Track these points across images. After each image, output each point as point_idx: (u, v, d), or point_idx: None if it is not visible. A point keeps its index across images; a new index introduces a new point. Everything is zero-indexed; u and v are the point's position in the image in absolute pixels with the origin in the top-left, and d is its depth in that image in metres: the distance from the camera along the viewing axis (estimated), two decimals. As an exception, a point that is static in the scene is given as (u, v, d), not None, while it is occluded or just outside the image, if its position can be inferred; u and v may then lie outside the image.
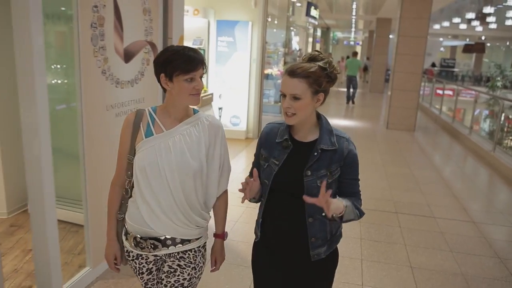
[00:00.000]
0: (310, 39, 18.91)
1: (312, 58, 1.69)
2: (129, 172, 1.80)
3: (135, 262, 1.87)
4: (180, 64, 1.66)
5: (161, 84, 1.75)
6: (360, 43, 37.59)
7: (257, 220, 1.90)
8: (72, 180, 3.50)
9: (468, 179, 7.04)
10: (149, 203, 1.74)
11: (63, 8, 3.25)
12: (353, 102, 15.30)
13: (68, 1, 2.83)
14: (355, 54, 16.71)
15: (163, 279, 1.87)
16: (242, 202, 1.76)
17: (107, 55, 3.03)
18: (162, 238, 1.77)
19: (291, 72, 1.65)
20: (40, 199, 2.62)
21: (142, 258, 1.85)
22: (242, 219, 4.45)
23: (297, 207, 1.73)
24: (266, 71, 11.24)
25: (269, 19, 10.82)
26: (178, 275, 1.83)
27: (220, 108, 8.16)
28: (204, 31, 7.76)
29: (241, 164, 6.61)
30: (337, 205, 1.61)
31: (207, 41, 7.83)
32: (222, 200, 1.94)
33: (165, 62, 1.69)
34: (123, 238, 1.87)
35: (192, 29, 7.59)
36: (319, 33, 24.71)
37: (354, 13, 19.69)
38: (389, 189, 5.80)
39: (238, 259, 3.59)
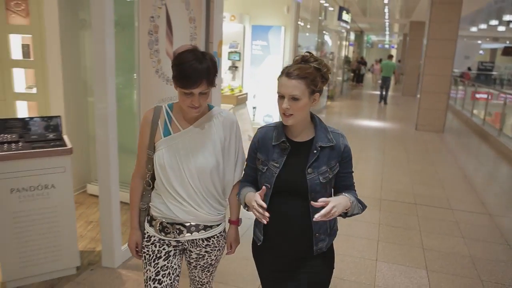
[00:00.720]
0: (345, 42, 19.23)
1: (304, 60, 1.73)
2: (149, 166, 1.90)
3: (155, 245, 1.92)
4: (179, 79, 1.70)
5: None
6: (395, 46, 37.35)
7: (257, 224, 1.92)
8: (126, 167, 4.11)
9: (491, 178, 7.26)
10: (172, 195, 1.84)
11: (126, 19, 3.87)
12: (385, 103, 15.73)
13: (131, 13, 3.45)
14: (390, 57, 17.31)
15: (191, 262, 2.01)
16: (266, 222, 1.70)
17: (160, 57, 3.62)
18: (187, 224, 1.87)
19: (289, 74, 1.69)
20: (107, 180, 3.21)
21: (164, 242, 1.92)
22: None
23: (300, 206, 1.77)
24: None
25: (302, 24, 11.31)
26: (207, 258, 1.99)
27: (254, 107, 8.69)
28: (240, 36, 8.33)
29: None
30: (344, 204, 1.68)
31: (243, 45, 8.39)
32: (236, 189, 2.01)
33: (173, 69, 1.75)
34: (147, 225, 1.96)
35: (229, 34, 8.18)
36: (352, 36, 24.92)
37: (387, 17, 19.83)
38: (411, 183, 6.15)
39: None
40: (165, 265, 1.91)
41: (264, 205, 1.66)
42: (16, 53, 4.62)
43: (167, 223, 1.87)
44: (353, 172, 1.88)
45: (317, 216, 1.59)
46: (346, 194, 1.76)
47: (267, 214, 1.65)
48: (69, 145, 3.07)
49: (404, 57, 23.14)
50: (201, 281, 2.09)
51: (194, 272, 2.06)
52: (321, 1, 12.18)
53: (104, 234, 3.36)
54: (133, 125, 3.87)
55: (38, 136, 3.14)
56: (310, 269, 1.86)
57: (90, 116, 4.75)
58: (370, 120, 12.03)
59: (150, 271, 1.91)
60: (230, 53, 8.39)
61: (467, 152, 9.19)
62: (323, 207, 1.62)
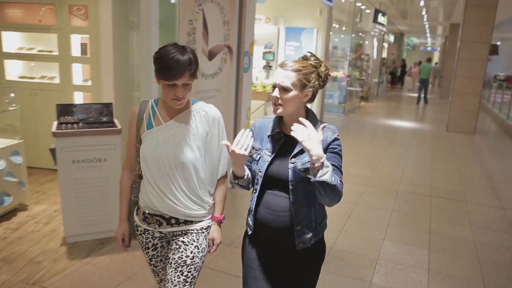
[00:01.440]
0: (385, 44, 19.36)
1: (305, 58, 1.82)
2: (138, 158, 1.95)
3: (142, 237, 2.02)
4: (162, 71, 1.74)
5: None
6: (438, 48, 36.64)
7: (249, 212, 1.97)
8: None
9: (516, 178, 7.40)
10: (153, 187, 1.90)
11: (169, 20, 4.49)
12: (426, 101, 16.56)
13: (172, 16, 4.05)
14: (429, 60, 17.66)
15: (169, 257, 1.98)
16: (228, 149, 1.76)
17: (198, 50, 4.19)
18: (167, 217, 1.93)
19: (283, 65, 1.76)
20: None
21: (149, 233, 1.99)
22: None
23: (284, 195, 1.83)
24: (332, 74, 12.08)
25: (337, 26, 11.69)
26: (182, 252, 1.92)
27: (285, 105, 9.18)
28: (274, 37, 8.86)
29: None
30: (320, 150, 1.64)
31: (277, 46, 8.91)
32: (220, 185, 2.05)
33: (154, 62, 1.78)
34: (134, 213, 2.04)
35: (264, 35, 8.74)
36: (392, 38, 24.85)
37: (425, 19, 19.75)
38: (431, 179, 6.45)
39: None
40: (155, 254, 2.03)
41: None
42: (75, 51, 5.34)
43: (148, 213, 1.95)
44: (340, 169, 1.82)
45: (293, 127, 1.65)
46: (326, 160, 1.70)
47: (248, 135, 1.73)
48: (119, 126, 3.70)
49: (444, 59, 22.88)
50: (172, 284, 1.89)
51: (168, 273, 1.92)
52: (357, 4, 12.49)
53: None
54: None
55: (94, 119, 3.79)
56: (290, 268, 1.90)
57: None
58: (402, 121, 12.21)
59: (145, 256, 2.07)
60: (264, 53, 8.93)
61: (496, 153, 9.26)
62: (299, 193, 1.78)
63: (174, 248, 1.95)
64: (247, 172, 1.89)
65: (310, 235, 1.85)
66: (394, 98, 19.24)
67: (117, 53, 5.17)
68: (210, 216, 2.03)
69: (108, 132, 3.61)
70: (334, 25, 11.46)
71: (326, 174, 1.63)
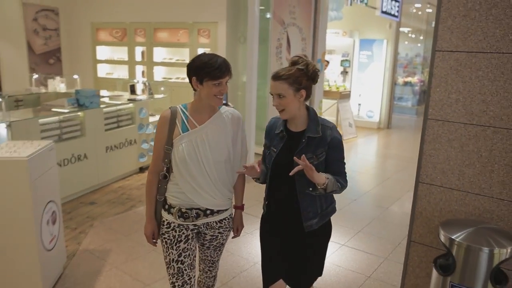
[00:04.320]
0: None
1: (293, 63, 2.01)
2: (166, 160, 2.09)
3: (175, 231, 2.14)
4: (212, 72, 1.95)
5: (192, 85, 2.03)
6: None
7: (264, 198, 2.25)
8: (257, 134, 6.80)
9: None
10: (191, 184, 2.06)
11: (264, 34, 6.65)
12: None
13: (267, 28, 6.15)
14: None
15: (205, 243, 2.26)
16: (237, 172, 2.16)
17: (282, 61, 6.26)
18: (203, 209, 2.12)
19: (273, 77, 1.99)
20: (250, 141, 5.94)
21: (183, 227, 2.14)
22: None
23: (291, 186, 2.07)
24: (406, 79, 13.49)
25: (413, 36, 13.08)
26: (219, 239, 2.27)
27: (359, 104, 10.89)
28: (350, 47, 10.64)
29: (373, 145, 9.29)
30: (320, 176, 1.93)
31: (352, 54, 10.68)
32: (240, 177, 2.27)
33: (198, 68, 1.98)
34: (165, 213, 2.16)
35: (342, 46, 10.59)
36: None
37: None
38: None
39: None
40: (185, 247, 2.15)
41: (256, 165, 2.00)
42: (200, 60, 7.75)
43: (186, 208, 2.10)
44: (343, 161, 2.12)
45: (296, 160, 1.90)
46: (324, 174, 2.00)
47: (256, 165, 1.99)
48: (232, 105, 5.89)
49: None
50: (212, 260, 2.35)
51: (207, 253, 2.31)
52: (428, 10, 13.52)
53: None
54: (264, 111, 6.53)
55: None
56: (299, 247, 2.18)
57: (239, 104, 7.62)
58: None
59: (172, 253, 2.15)
60: (342, 61, 10.75)
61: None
62: (303, 182, 2.03)
63: (211, 239, 2.24)
64: (260, 172, 2.09)
65: (316, 219, 2.11)
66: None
67: (228, 60, 7.46)
68: (232, 204, 2.30)
69: (225, 109, 5.82)
70: (409, 34, 12.86)
71: (329, 187, 1.98)
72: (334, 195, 2.22)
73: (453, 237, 2.26)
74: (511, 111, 2.38)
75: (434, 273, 2.40)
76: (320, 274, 2.30)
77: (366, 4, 8.87)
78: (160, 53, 8.08)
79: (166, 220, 2.16)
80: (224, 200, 2.18)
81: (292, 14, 6.33)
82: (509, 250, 2.16)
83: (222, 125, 2.10)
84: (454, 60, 2.52)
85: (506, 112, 2.39)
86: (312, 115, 2.10)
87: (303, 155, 1.92)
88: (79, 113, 5.03)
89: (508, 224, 2.47)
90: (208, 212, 2.14)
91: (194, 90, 2.05)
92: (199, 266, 2.44)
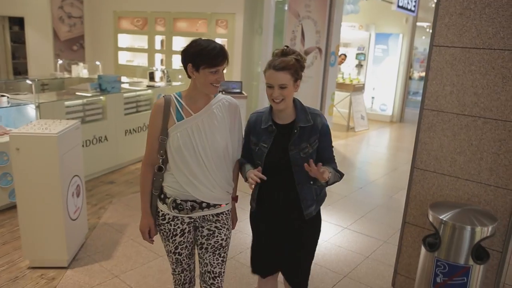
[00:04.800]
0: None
1: (284, 53, 1.99)
2: (162, 151, 1.99)
3: (170, 224, 2.06)
4: (209, 59, 1.86)
5: (187, 72, 1.94)
6: None
7: (252, 194, 2.20)
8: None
9: None
10: (186, 175, 1.97)
11: (280, 25, 6.85)
12: None
13: (282, 20, 6.34)
14: None
15: (203, 243, 2.09)
16: (251, 189, 2.04)
17: (296, 53, 6.46)
18: (199, 201, 2.01)
19: (275, 66, 1.95)
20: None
21: (178, 220, 2.05)
22: (362, 154, 7.38)
23: (287, 178, 2.06)
24: (422, 74, 13.51)
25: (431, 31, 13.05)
26: (217, 236, 2.08)
27: (372, 97, 11.00)
28: (366, 41, 10.73)
29: (384, 138, 9.44)
30: (326, 171, 1.91)
31: (368, 48, 10.78)
32: (235, 168, 2.16)
33: (194, 55, 1.88)
34: (160, 203, 2.07)
35: (358, 39, 10.70)
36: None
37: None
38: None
39: (350, 165, 6.54)
40: (182, 240, 2.09)
41: (261, 176, 1.94)
42: (217, 50, 7.99)
43: (181, 200, 2.00)
44: (332, 146, 2.15)
45: (309, 165, 1.87)
46: (325, 167, 1.98)
47: (263, 176, 1.94)
48: (246, 94, 6.12)
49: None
50: (213, 270, 2.09)
51: (206, 258, 2.09)
52: None
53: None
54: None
55: (231, 90, 6.27)
56: (302, 231, 2.18)
57: (254, 93, 7.84)
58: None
59: (169, 245, 2.11)
60: (357, 54, 10.86)
61: None
62: (302, 173, 1.99)
63: (207, 234, 2.08)
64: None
65: (314, 206, 2.14)
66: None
67: (244, 51, 7.70)
68: (231, 199, 2.18)
69: (240, 97, 6.06)
70: (428, 29, 12.84)
71: (331, 179, 2.00)
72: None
73: (440, 217, 2.47)
74: (500, 103, 2.56)
75: (423, 250, 2.63)
76: (312, 259, 2.31)
77: (382, -2, 8.97)
78: (179, 42, 8.34)
79: (161, 211, 2.08)
80: (222, 193, 2.07)
81: (308, 7, 6.51)
82: (490, 229, 2.37)
83: (219, 113, 2.01)
84: (449, 55, 2.71)
85: (495, 104, 2.58)
86: (298, 105, 2.09)
87: (311, 159, 1.92)
88: (101, 97, 5.33)
89: (494, 207, 2.67)
90: (204, 205, 2.03)
91: (189, 77, 1.95)
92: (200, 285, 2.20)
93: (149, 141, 2.03)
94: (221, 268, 2.11)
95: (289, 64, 1.95)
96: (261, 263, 2.31)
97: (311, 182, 2.06)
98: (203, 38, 1.94)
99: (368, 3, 9.65)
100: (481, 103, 2.63)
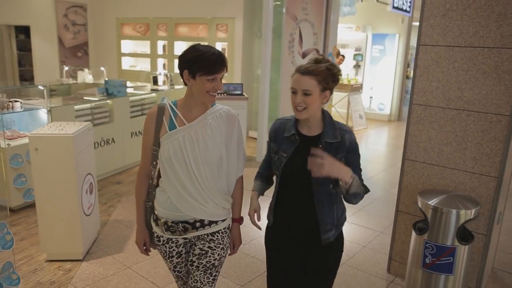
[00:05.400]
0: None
1: (317, 61, 1.84)
2: (154, 163, 1.91)
3: (165, 246, 1.97)
4: (206, 66, 1.75)
5: (183, 79, 1.83)
6: None
7: (269, 207, 2.03)
8: (263, 124, 7.27)
9: None
10: (177, 188, 1.86)
11: (279, 28, 7.08)
12: None
13: (279, 31, 6.59)
14: None
15: (194, 261, 1.97)
16: (261, 229, 1.95)
17: (294, 55, 6.69)
18: (192, 221, 1.89)
19: (302, 71, 1.80)
20: (262, 127, 6.40)
21: (173, 242, 1.96)
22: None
23: (306, 195, 1.87)
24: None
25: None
26: (209, 256, 1.95)
27: (370, 97, 11.22)
28: (363, 42, 10.96)
29: (383, 136, 9.65)
30: (344, 170, 1.72)
31: (365, 48, 11.00)
32: (238, 186, 2.02)
33: (191, 61, 1.77)
34: (153, 224, 1.99)
35: (355, 40, 10.93)
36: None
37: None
38: None
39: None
40: (179, 261, 2.02)
41: (257, 222, 1.91)
42: (218, 53, 8.22)
43: (172, 222, 1.90)
44: (360, 168, 1.91)
45: (312, 154, 1.68)
46: (351, 171, 1.77)
47: (258, 225, 1.91)
48: (246, 95, 6.35)
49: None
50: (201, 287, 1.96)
51: (196, 275, 1.97)
52: None
53: (258, 145, 6.57)
54: (276, 103, 6.98)
55: (232, 92, 6.50)
56: (318, 258, 1.96)
57: (254, 95, 8.07)
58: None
59: (168, 264, 2.05)
60: (355, 54, 11.09)
61: None
62: (323, 193, 1.85)
63: (200, 254, 1.95)
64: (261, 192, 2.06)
65: (333, 231, 1.93)
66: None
67: (244, 54, 7.93)
68: (230, 216, 2.04)
69: (240, 98, 6.29)
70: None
71: (354, 186, 1.75)
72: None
73: (428, 203, 2.69)
74: (481, 97, 2.78)
75: (413, 234, 2.84)
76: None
77: (377, 0, 9.19)
78: (180, 47, 8.58)
79: (155, 233, 1.99)
80: (217, 209, 1.93)
81: (305, 11, 6.74)
82: (473, 212, 2.58)
83: (214, 123, 1.88)
84: (435, 53, 2.93)
85: (477, 98, 2.80)
86: (327, 119, 1.91)
87: (320, 147, 1.79)
88: (108, 101, 5.56)
89: (478, 193, 2.88)
90: (197, 224, 1.91)
91: (185, 84, 1.86)
92: None
93: (143, 152, 1.95)
94: (211, 286, 1.99)
95: (317, 69, 1.79)
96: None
97: (331, 186, 1.85)
98: (202, 44, 1.85)
99: (364, 4, 9.89)
100: (465, 97, 2.85)
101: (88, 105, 5.28)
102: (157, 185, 1.96)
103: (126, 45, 9.36)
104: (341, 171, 1.71)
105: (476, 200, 2.72)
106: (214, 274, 1.99)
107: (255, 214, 1.94)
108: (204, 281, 1.96)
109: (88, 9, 9.40)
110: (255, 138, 7.11)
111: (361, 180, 1.87)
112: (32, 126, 4.70)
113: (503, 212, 3.39)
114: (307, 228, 1.93)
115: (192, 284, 1.98)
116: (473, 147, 2.86)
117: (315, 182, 1.83)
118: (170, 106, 1.91)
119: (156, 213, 1.96)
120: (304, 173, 1.77)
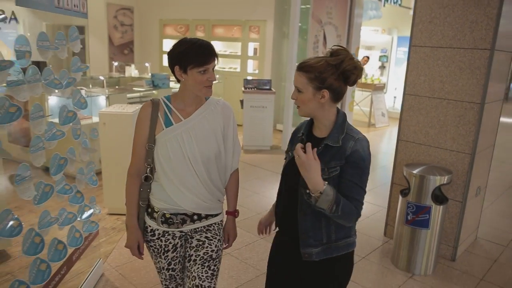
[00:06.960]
0: None
1: (332, 53, 1.61)
2: (149, 159, 1.84)
3: (161, 240, 1.91)
4: (194, 57, 1.70)
5: (175, 75, 1.78)
6: None
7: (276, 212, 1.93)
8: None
9: None
10: (175, 184, 1.82)
11: (305, 29, 7.80)
12: None
13: (305, 31, 7.31)
14: None
15: (191, 255, 1.91)
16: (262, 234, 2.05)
17: (318, 54, 7.37)
18: (190, 214, 1.87)
19: (297, 66, 1.65)
20: (288, 122, 7.14)
21: (169, 235, 1.91)
22: (379, 145, 8.23)
23: (293, 201, 1.70)
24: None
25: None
26: (207, 247, 1.90)
27: (394, 97, 11.74)
28: (388, 44, 11.52)
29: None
30: (319, 179, 1.49)
31: (390, 51, 11.55)
32: (233, 179, 2.01)
33: (180, 55, 1.73)
34: (147, 218, 1.92)
35: (381, 43, 11.50)
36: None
37: None
38: None
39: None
40: (174, 255, 1.96)
41: (262, 231, 2.03)
42: (250, 52, 9.02)
43: (170, 213, 1.86)
44: (360, 186, 1.62)
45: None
46: (331, 186, 1.53)
47: (262, 232, 2.02)
48: (274, 90, 7.11)
49: None
50: (202, 285, 1.84)
51: (194, 270, 1.88)
52: None
53: (284, 135, 7.32)
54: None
55: (261, 87, 7.27)
56: (302, 275, 1.75)
57: (281, 93, 8.80)
58: None
59: (161, 262, 1.97)
60: (380, 56, 11.65)
61: None
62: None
63: (197, 245, 1.91)
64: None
65: (317, 249, 1.67)
66: None
67: (274, 54, 8.70)
68: (223, 208, 2.02)
69: (269, 92, 7.06)
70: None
71: (324, 204, 1.50)
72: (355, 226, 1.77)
73: (411, 171, 3.38)
74: (458, 88, 3.45)
75: (400, 198, 3.53)
76: None
77: (400, 4, 9.74)
78: (216, 46, 9.26)
79: (150, 226, 1.92)
80: (214, 202, 1.94)
81: (329, 14, 7.43)
82: (446, 178, 3.26)
83: (211, 117, 1.87)
84: (423, 53, 3.61)
85: (455, 89, 3.47)
86: (339, 121, 1.67)
87: (307, 144, 1.54)
88: (154, 91, 6.46)
89: (456, 167, 3.54)
90: (195, 217, 1.90)
91: (178, 81, 1.82)
92: None
93: (135, 149, 1.87)
94: (211, 282, 1.87)
95: (311, 65, 1.59)
96: None
97: (307, 191, 1.56)
98: (188, 38, 1.79)
99: (390, 8, 10.45)
100: (445, 88, 3.51)
101: (137, 94, 6.20)
102: (152, 181, 1.89)
103: (168, 44, 10.30)
104: (310, 173, 1.50)
105: (449, 170, 3.39)
106: (212, 268, 1.90)
107: (260, 225, 2.05)
108: (203, 276, 1.86)
109: (134, 11, 10.41)
110: (281, 131, 7.86)
111: (355, 201, 1.58)
112: (93, 110, 5.63)
113: (484, 188, 4.02)
114: (289, 237, 1.77)
115: (190, 282, 1.88)
116: (451, 129, 3.52)
117: (301, 186, 1.62)
118: (164, 102, 1.87)
119: (153, 205, 1.90)
120: (296, 174, 1.60)
